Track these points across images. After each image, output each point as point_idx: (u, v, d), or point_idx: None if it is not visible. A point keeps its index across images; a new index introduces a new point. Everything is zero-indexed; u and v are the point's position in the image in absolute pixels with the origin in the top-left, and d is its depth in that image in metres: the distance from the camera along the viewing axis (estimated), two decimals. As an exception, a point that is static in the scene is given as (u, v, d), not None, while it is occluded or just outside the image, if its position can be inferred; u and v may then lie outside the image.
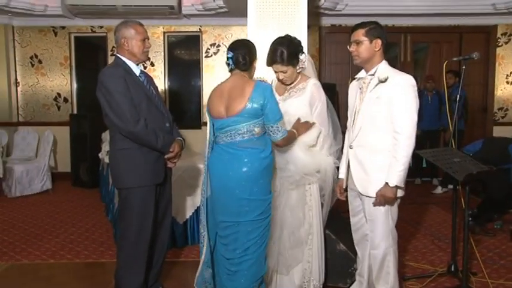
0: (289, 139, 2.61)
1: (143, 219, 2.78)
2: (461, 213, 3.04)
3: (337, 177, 2.85)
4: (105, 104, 2.70)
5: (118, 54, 2.83)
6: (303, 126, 2.75)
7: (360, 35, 2.56)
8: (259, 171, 2.47)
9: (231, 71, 2.61)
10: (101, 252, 4.01)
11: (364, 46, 2.54)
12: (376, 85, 2.51)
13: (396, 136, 2.44)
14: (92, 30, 7.18)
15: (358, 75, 2.69)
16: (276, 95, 2.76)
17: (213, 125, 2.61)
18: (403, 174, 2.45)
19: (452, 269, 3.32)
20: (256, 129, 2.47)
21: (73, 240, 4.30)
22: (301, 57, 2.79)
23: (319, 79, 7.46)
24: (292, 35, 2.84)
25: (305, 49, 3.69)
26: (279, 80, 2.87)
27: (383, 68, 2.54)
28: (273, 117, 2.45)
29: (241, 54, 2.55)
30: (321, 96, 2.84)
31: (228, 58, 2.58)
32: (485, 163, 4.38)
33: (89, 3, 6.25)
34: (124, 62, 2.80)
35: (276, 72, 2.81)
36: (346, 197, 2.80)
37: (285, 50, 2.71)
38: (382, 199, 2.48)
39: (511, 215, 4.95)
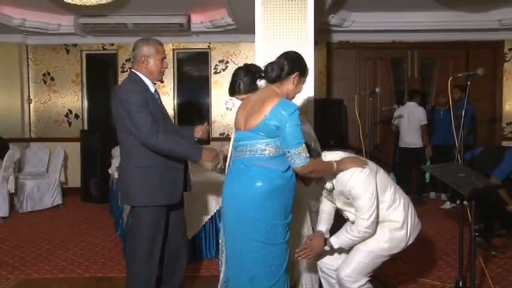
0: (316, 168, 2.31)
1: (155, 239, 2.81)
2: (469, 228, 3.03)
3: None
4: (127, 120, 2.69)
5: (135, 71, 2.83)
6: (351, 162, 2.45)
7: None
8: (267, 192, 2.23)
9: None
10: (110, 267, 4.04)
11: None
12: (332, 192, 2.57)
13: (357, 219, 2.46)
14: (102, 47, 7.34)
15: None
16: None
17: (235, 135, 2.46)
18: (353, 243, 2.51)
19: (460, 285, 3.30)
20: (268, 149, 2.25)
21: (83, 255, 4.35)
22: (260, 83, 2.78)
23: (327, 95, 7.53)
24: (250, 63, 2.90)
25: (312, 65, 3.75)
26: None
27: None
28: (289, 142, 2.19)
29: (272, 65, 2.36)
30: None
31: None
32: (479, 167, 4.41)
33: (101, 21, 6.41)
34: (141, 79, 2.81)
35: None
36: None
37: (241, 81, 2.79)
38: (309, 251, 2.50)
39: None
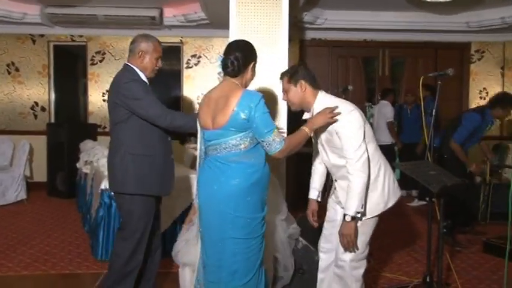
0: (292, 147, 2.29)
1: (144, 230, 2.80)
2: (437, 225, 3.11)
3: None
4: (136, 109, 2.70)
5: (130, 64, 2.82)
6: (320, 117, 2.43)
7: (285, 83, 2.58)
8: (246, 187, 2.23)
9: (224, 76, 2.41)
10: (77, 263, 3.94)
11: (292, 92, 2.57)
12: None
13: (347, 163, 2.44)
14: (71, 39, 7.13)
15: (304, 117, 2.67)
16: None
17: (204, 135, 2.41)
18: (361, 198, 2.45)
19: (428, 280, 3.37)
20: (243, 143, 2.23)
21: (48, 252, 4.22)
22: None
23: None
24: None
25: (286, 62, 3.75)
26: None
27: (318, 106, 2.54)
28: (262, 130, 2.19)
29: (230, 59, 2.31)
30: None
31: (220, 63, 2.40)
32: (446, 148, 4.51)
33: (70, 12, 6.22)
34: (136, 71, 2.80)
35: None
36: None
37: None
38: (345, 239, 2.49)
39: (483, 227, 5.07)
